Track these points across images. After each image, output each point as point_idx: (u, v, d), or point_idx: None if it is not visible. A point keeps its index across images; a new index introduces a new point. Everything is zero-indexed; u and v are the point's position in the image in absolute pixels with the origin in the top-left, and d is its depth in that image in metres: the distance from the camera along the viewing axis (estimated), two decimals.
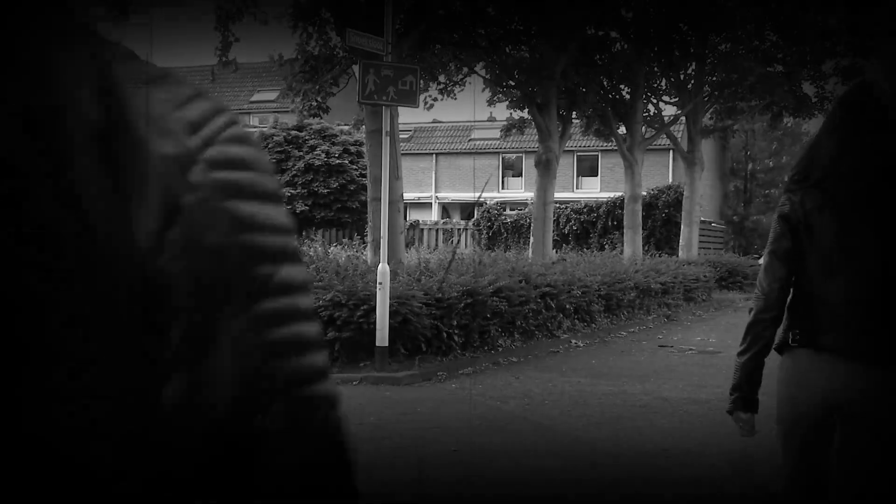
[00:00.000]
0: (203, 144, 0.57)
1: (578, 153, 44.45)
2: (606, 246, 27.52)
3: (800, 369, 2.76)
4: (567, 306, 13.05)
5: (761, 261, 2.94)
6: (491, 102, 22.13)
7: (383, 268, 9.69)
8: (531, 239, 19.34)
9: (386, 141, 10.55)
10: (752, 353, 2.83)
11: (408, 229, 33.74)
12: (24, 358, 0.50)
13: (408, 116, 47.05)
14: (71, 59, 0.53)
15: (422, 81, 14.97)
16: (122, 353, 0.52)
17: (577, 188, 44.59)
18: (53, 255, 0.49)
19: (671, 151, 39.49)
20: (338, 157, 32.35)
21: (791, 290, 2.83)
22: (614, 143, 23.78)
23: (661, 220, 29.28)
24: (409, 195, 41.33)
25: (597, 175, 44.99)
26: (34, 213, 0.49)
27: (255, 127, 47.02)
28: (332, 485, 0.63)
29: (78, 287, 0.50)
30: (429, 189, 47.41)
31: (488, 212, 34.47)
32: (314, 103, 15.83)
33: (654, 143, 27.07)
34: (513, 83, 19.49)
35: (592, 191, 43.10)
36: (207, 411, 0.56)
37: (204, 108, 0.58)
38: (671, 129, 25.05)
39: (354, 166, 32.39)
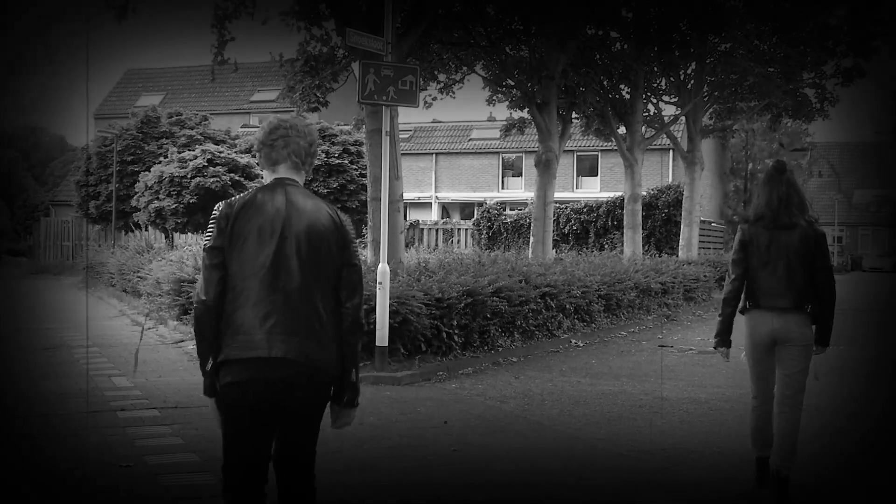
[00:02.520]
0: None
1: (578, 153, 44.44)
2: (606, 246, 27.51)
3: (754, 320, 5.35)
4: (567, 306, 13.05)
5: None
6: (490, 102, 22.10)
7: (383, 268, 9.68)
8: (531, 239, 19.33)
9: (386, 141, 10.53)
10: (726, 315, 5.46)
11: (408, 229, 33.70)
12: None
13: (408, 116, 47.03)
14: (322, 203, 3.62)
15: (421, 81, 14.95)
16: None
17: (577, 188, 44.57)
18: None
19: (671, 151, 39.47)
20: (337, 157, 32.29)
21: (744, 279, 5.40)
22: (614, 143, 23.77)
23: (661, 220, 29.25)
24: (409, 195, 41.27)
25: (597, 175, 44.98)
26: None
27: (255, 127, 46.96)
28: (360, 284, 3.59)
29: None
30: (429, 189, 47.40)
31: (488, 212, 34.44)
32: (313, 98, 15.81)
33: (654, 143, 27.05)
34: (512, 83, 19.48)
35: (592, 191, 43.09)
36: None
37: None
38: (671, 128, 25.04)
39: (354, 166, 32.33)
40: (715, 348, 5.53)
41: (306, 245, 3.44)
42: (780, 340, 5.27)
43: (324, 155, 32.14)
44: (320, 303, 3.44)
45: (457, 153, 47.56)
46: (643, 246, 23.70)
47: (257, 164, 3.92)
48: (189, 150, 27.41)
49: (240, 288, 3.38)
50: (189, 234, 27.43)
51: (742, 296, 5.41)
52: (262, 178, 3.68)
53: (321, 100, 15.97)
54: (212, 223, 3.51)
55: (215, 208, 3.57)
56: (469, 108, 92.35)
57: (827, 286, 5.26)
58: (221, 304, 3.41)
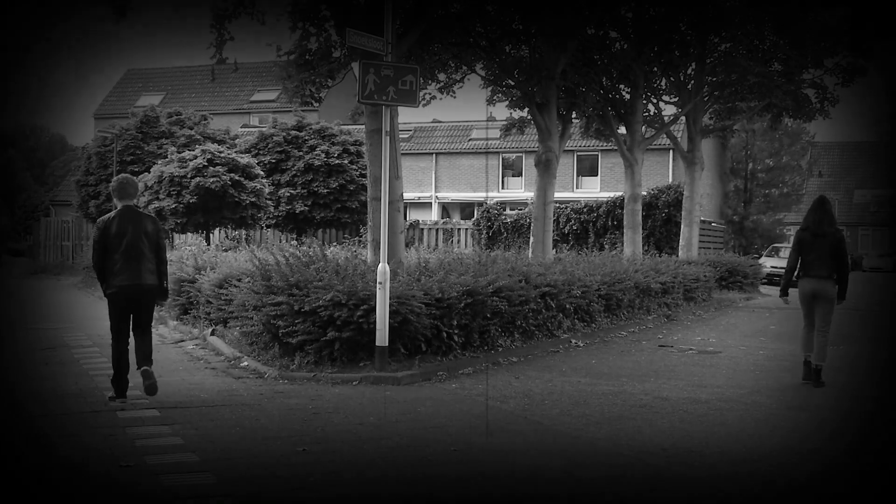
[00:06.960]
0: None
1: (578, 153, 44.44)
2: (606, 246, 27.49)
3: (804, 284, 9.79)
4: (567, 306, 13.03)
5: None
6: (490, 101, 22.05)
7: (383, 267, 9.68)
8: (531, 239, 19.32)
9: (386, 141, 10.53)
10: (785, 278, 10.12)
11: (408, 229, 33.68)
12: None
13: (408, 116, 47.03)
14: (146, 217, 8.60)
15: (421, 80, 14.92)
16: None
17: (577, 188, 44.57)
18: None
19: (671, 151, 39.47)
20: (337, 157, 32.27)
21: (797, 260, 9.98)
22: (614, 143, 23.75)
23: (661, 220, 29.23)
24: (409, 195, 41.24)
25: (597, 175, 44.97)
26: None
27: (255, 127, 46.92)
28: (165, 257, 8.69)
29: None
30: (429, 189, 47.40)
31: (488, 212, 34.41)
32: (308, 92, 15.74)
33: (654, 143, 27.03)
34: (512, 83, 19.46)
35: (592, 190, 43.07)
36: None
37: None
38: (671, 129, 25.02)
39: (354, 166, 32.31)
40: (780, 297, 10.13)
41: (141, 236, 8.21)
42: (818, 295, 9.60)
43: (324, 155, 32.14)
44: (151, 259, 8.25)
45: (457, 153, 47.56)
46: (643, 246, 23.67)
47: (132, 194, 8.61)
48: (189, 149, 27.41)
49: (114, 259, 8.15)
50: (189, 233, 27.43)
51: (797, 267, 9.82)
52: (116, 204, 8.41)
53: (315, 95, 15.91)
54: (97, 231, 8.26)
55: (98, 222, 8.35)
56: (469, 108, 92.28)
57: (843, 265, 9.62)
58: (104, 264, 8.20)
